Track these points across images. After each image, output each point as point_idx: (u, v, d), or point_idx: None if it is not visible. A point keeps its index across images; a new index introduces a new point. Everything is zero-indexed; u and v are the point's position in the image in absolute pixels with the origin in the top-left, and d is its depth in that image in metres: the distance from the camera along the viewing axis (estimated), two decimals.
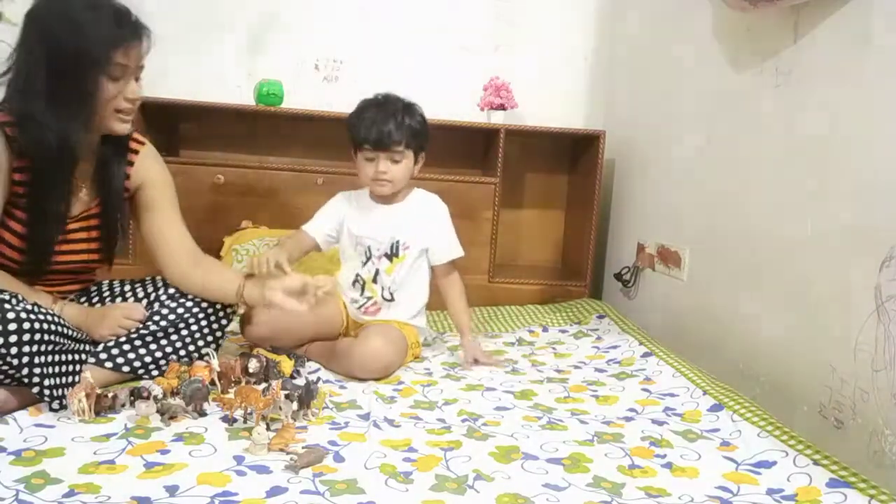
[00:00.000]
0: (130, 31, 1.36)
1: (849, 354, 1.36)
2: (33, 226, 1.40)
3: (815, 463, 1.16)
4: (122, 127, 1.42)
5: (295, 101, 2.52)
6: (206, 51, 2.57)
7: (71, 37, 1.30)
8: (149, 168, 1.56)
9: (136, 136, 1.56)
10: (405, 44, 2.68)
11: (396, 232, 1.75)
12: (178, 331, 1.51)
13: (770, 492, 1.10)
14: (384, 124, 1.65)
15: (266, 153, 2.63)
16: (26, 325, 1.22)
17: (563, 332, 2.13)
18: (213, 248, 2.36)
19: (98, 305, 1.58)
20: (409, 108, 1.70)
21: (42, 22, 1.32)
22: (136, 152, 1.55)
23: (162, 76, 2.51)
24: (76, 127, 1.35)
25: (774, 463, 1.19)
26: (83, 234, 1.50)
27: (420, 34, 2.68)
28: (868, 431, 1.30)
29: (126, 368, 1.45)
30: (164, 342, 1.49)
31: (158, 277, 1.61)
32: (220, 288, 1.55)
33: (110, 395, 1.30)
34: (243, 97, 2.53)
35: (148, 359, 1.47)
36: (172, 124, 2.57)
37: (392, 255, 1.75)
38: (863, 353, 1.33)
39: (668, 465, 1.20)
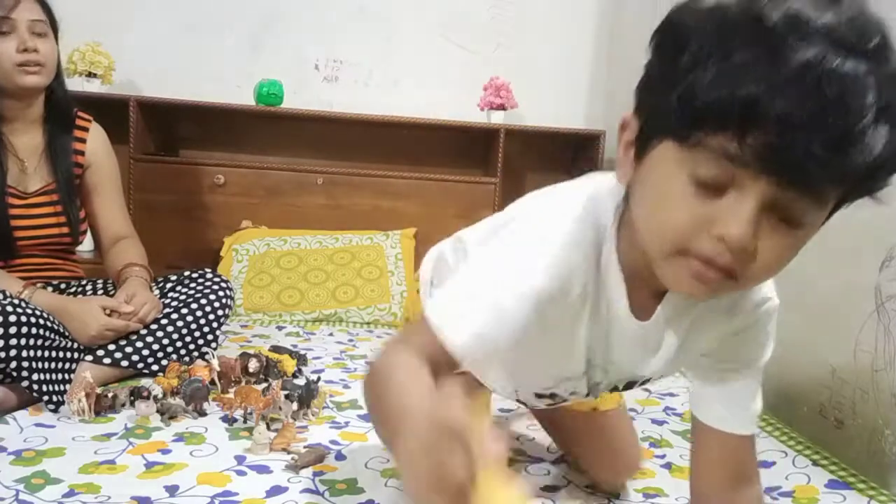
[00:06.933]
0: None
1: (849, 354, 1.36)
2: None
3: (815, 464, 1.16)
4: (27, 79, 1.48)
5: (295, 101, 2.52)
6: (206, 51, 2.57)
7: None
8: (98, 149, 1.64)
9: (82, 113, 1.63)
10: (405, 43, 2.68)
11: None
12: (172, 322, 1.51)
13: (768, 490, 1.10)
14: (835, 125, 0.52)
15: (266, 153, 2.63)
16: (13, 318, 1.23)
17: None
18: (213, 248, 2.36)
19: None
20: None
21: None
22: (86, 129, 1.62)
23: (162, 76, 2.53)
24: None
25: (773, 463, 1.19)
26: (48, 209, 1.55)
27: (420, 34, 2.68)
28: (868, 431, 1.30)
29: (125, 363, 1.45)
30: (160, 334, 1.49)
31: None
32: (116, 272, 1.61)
33: (110, 394, 1.30)
34: (243, 97, 2.52)
35: (146, 352, 1.47)
36: (172, 124, 2.57)
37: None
38: (863, 353, 1.32)
39: (668, 466, 1.20)
